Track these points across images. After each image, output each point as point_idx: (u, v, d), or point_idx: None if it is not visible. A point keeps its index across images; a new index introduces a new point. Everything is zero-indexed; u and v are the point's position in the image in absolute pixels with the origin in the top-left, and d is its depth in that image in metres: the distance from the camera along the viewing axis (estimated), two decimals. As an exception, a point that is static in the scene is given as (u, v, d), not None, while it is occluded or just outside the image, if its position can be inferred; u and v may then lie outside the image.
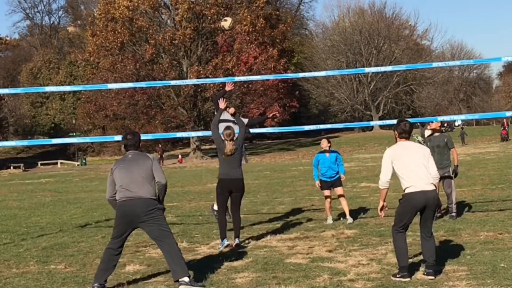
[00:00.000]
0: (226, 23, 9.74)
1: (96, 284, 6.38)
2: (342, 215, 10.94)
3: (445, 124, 63.66)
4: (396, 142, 6.79)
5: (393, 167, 6.57)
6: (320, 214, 11.96)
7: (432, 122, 10.97)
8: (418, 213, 6.57)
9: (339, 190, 10.74)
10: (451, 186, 10.24)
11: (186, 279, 6.25)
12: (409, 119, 7.30)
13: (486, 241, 7.98)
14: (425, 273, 6.38)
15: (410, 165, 6.46)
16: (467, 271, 6.44)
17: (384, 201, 6.78)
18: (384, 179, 6.62)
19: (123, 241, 6.58)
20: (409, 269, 6.40)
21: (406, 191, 6.49)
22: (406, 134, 6.66)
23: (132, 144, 6.69)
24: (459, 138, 44.49)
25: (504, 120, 47.22)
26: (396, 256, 6.49)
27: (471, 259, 6.94)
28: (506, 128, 46.34)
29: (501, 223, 9.33)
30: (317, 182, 10.92)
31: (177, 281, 6.29)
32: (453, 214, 10.11)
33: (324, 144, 10.87)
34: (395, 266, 6.80)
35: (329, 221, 10.54)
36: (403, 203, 6.53)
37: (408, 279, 6.25)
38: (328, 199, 10.69)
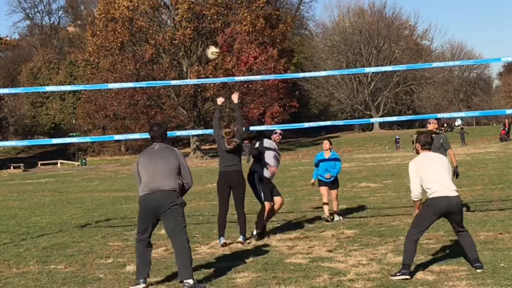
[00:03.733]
0: (211, 52, 9.67)
1: (141, 280, 6.43)
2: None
3: (445, 124, 63.18)
4: (418, 154, 6.92)
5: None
6: (320, 214, 11.97)
7: (429, 123, 10.94)
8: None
9: (333, 193, 11.04)
10: None
11: (190, 281, 6.26)
12: (410, 117, 7.43)
13: (486, 241, 7.98)
14: (474, 267, 6.45)
15: (434, 174, 6.59)
16: (467, 271, 6.44)
17: (418, 209, 6.86)
18: (416, 192, 6.74)
19: (150, 232, 6.57)
20: (411, 269, 6.43)
21: (430, 197, 6.57)
22: (428, 145, 6.85)
23: (159, 136, 6.69)
24: (459, 138, 44.50)
25: (506, 120, 47.24)
26: (403, 253, 6.51)
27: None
28: (506, 128, 46.32)
29: (501, 223, 9.34)
30: (313, 181, 11.28)
31: (182, 281, 6.32)
32: None
33: (326, 145, 11.10)
34: (395, 266, 6.81)
35: (325, 215, 10.83)
36: (425, 207, 6.60)
37: (408, 277, 6.27)
38: (326, 206, 10.93)
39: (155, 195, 6.39)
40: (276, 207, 9.65)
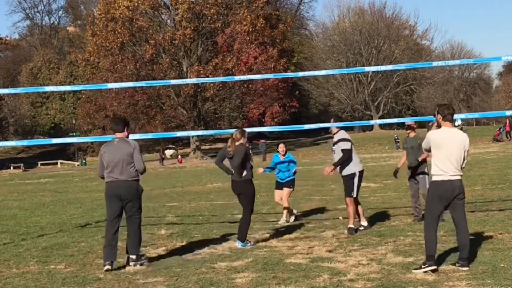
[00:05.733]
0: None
1: (107, 262, 7.34)
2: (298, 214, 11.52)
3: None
4: (439, 126, 6.82)
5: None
6: (320, 214, 11.98)
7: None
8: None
9: (285, 191, 11.30)
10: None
11: (133, 257, 7.46)
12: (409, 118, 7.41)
13: (486, 241, 7.98)
14: (458, 264, 6.56)
15: (449, 154, 6.59)
16: (467, 271, 6.44)
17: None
18: (426, 148, 6.88)
19: (118, 220, 7.58)
20: (437, 259, 6.59)
21: (434, 178, 6.63)
22: (450, 116, 6.68)
23: (117, 129, 7.77)
24: None
25: (507, 120, 47.32)
26: (424, 245, 6.63)
27: (471, 259, 6.93)
28: (500, 130, 46.47)
29: (501, 223, 9.33)
30: (260, 170, 11.38)
31: (129, 255, 7.49)
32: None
33: (280, 149, 11.44)
34: (395, 266, 6.82)
35: (281, 221, 10.99)
36: (430, 193, 6.70)
37: (435, 267, 6.38)
38: (278, 202, 11.33)
39: (117, 184, 7.49)
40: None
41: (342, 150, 9.35)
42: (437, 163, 6.59)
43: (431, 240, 6.56)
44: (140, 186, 7.62)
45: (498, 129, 47.84)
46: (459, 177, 6.62)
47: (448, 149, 6.58)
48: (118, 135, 7.74)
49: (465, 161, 6.73)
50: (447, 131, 6.67)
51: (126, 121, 8.02)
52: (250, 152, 9.08)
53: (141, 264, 7.49)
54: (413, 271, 6.51)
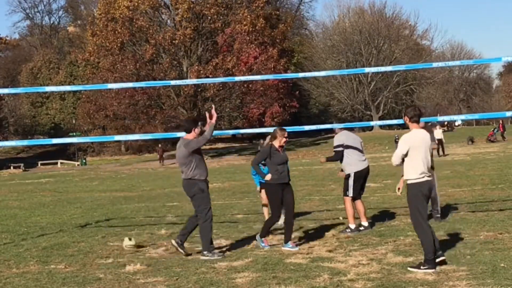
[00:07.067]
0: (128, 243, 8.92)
1: (177, 240, 8.16)
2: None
3: (445, 123, 63.12)
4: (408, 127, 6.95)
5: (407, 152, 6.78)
6: (320, 214, 11.98)
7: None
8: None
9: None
10: None
11: (205, 252, 7.87)
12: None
13: (486, 241, 7.97)
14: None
15: (424, 156, 6.72)
16: (467, 271, 6.44)
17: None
18: (397, 162, 6.85)
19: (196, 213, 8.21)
20: (435, 262, 6.64)
21: (415, 181, 6.68)
22: (417, 117, 6.83)
23: (184, 129, 8.25)
24: (465, 138, 45.07)
25: (501, 121, 47.38)
26: (423, 248, 6.70)
27: (471, 259, 6.94)
28: (494, 130, 46.56)
29: (501, 223, 9.32)
30: (258, 188, 11.04)
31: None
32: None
33: None
34: (395, 266, 6.82)
35: (281, 221, 10.47)
36: (413, 195, 6.71)
37: (432, 270, 6.43)
38: (266, 208, 10.79)
39: (183, 181, 8.14)
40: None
41: (334, 151, 9.84)
42: (416, 165, 6.68)
43: (428, 241, 6.60)
44: (198, 185, 7.94)
45: (492, 129, 47.96)
46: (431, 178, 6.82)
47: (423, 151, 6.73)
48: (186, 136, 8.15)
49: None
50: (419, 132, 6.83)
51: (194, 122, 8.26)
52: (276, 153, 8.51)
53: (212, 255, 7.84)
54: (409, 268, 6.53)
